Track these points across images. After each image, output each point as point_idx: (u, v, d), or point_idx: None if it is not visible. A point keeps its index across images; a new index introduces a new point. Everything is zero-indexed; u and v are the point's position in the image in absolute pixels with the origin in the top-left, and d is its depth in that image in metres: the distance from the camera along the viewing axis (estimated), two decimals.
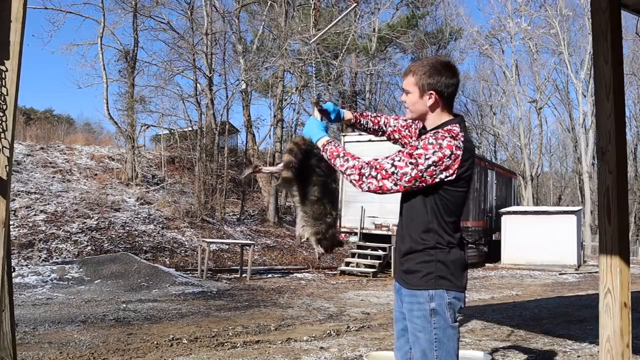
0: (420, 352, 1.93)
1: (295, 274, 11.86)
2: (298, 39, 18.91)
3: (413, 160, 1.81)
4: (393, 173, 1.83)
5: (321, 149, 2.02)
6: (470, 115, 35.42)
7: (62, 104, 62.54)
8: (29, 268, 9.14)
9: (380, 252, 12.89)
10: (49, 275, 8.69)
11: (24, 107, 27.75)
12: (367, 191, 1.89)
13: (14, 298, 2.27)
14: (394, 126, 2.28)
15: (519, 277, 13.68)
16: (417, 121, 2.14)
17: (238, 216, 18.07)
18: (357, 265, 12.85)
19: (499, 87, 34.75)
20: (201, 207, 15.88)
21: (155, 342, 4.81)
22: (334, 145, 1.98)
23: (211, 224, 15.49)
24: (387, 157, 1.87)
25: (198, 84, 18.87)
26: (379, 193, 1.89)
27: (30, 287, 8.03)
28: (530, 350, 4.94)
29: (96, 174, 16.82)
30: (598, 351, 2.61)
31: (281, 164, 2.22)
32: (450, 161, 1.82)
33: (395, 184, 1.84)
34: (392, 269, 12.77)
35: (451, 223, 1.92)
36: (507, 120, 37.16)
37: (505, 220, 17.19)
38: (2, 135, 1.96)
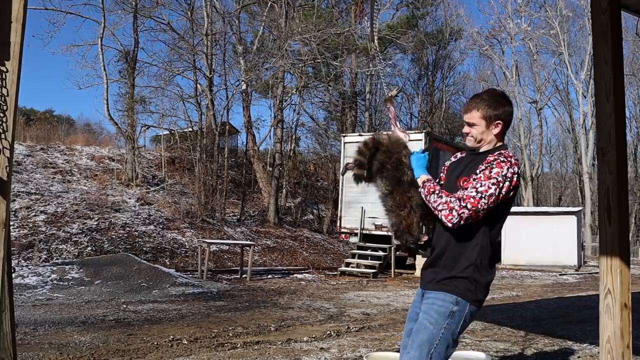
0: (419, 343, 2.03)
1: (295, 275, 11.86)
2: (298, 39, 18.91)
3: (493, 180, 1.99)
4: (481, 198, 1.98)
5: (420, 185, 2.16)
6: None
7: (62, 104, 62.60)
8: (29, 269, 9.14)
9: (380, 253, 12.89)
10: (49, 276, 8.68)
11: (24, 107, 27.83)
12: (457, 223, 1.99)
13: (14, 299, 2.27)
14: None
15: (519, 278, 13.68)
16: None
17: (238, 217, 18.07)
18: (357, 265, 12.85)
19: (499, 87, 34.70)
20: (201, 208, 15.87)
21: (156, 343, 4.81)
22: (432, 183, 2.13)
23: (211, 224, 15.48)
24: (465, 189, 2.03)
25: (198, 85, 18.88)
26: (470, 221, 2.00)
27: (31, 287, 8.03)
28: (531, 351, 4.94)
29: (96, 175, 16.83)
30: (598, 352, 2.61)
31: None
32: (516, 177, 2.04)
33: (484, 209, 1.99)
34: (392, 270, 12.78)
35: (495, 242, 2.11)
36: None
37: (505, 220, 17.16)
38: (3, 136, 1.95)
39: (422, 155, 2.23)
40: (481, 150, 2.18)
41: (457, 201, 1.99)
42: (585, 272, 15.85)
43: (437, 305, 2.04)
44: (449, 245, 2.08)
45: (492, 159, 2.05)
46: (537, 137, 35.01)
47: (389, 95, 2.45)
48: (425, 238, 2.26)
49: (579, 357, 4.77)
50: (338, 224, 14.43)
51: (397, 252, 13.03)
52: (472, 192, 1.99)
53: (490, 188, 1.97)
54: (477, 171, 2.04)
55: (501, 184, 1.98)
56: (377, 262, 12.71)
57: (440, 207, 2.02)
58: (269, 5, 19.05)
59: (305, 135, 26.97)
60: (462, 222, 1.98)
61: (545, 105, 34.94)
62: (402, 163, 2.22)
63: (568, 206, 33.60)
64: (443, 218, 2.01)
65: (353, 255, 13.42)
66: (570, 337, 5.67)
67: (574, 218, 17.05)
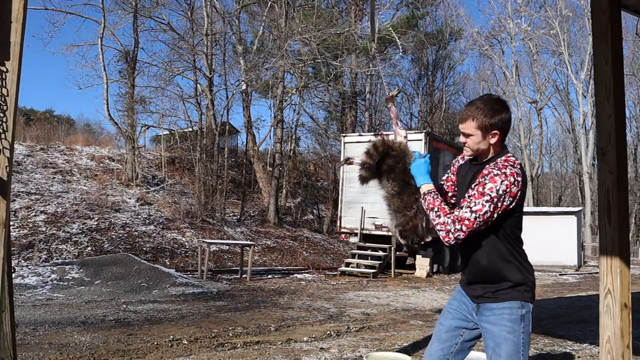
0: (506, 355, 2.07)
1: (295, 275, 11.86)
2: (298, 39, 18.91)
3: (487, 197, 1.98)
4: (476, 219, 1.99)
5: (422, 196, 2.19)
6: None
7: (62, 104, 62.50)
8: (29, 269, 9.14)
9: (380, 253, 12.89)
10: (49, 276, 8.68)
11: (24, 107, 27.79)
12: (454, 243, 2.05)
13: (14, 299, 2.27)
14: (447, 192, 2.39)
15: None
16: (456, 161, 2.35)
17: (238, 217, 18.07)
18: (357, 265, 12.85)
19: (499, 87, 34.73)
20: (201, 208, 15.87)
21: (156, 343, 4.81)
22: (432, 197, 2.14)
23: (211, 224, 15.48)
24: (461, 208, 2.03)
25: (198, 85, 18.88)
26: (471, 234, 2.04)
27: (31, 287, 8.03)
28: (531, 351, 4.93)
29: (96, 175, 16.82)
30: (598, 352, 2.60)
31: (364, 157, 2.37)
32: (515, 187, 2.01)
33: (480, 227, 2.02)
34: (392, 270, 12.78)
35: (521, 244, 2.22)
36: None
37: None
38: (3, 136, 1.95)
39: (422, 161, 2.24)
40: (482, 159, 2.16)
41: (453, 224, 2.01)
42: (585, 272, 15.85)
43: (507, 314, 2.09)
44: (490, 260, 2.12)
45: (486, 172, 2.04)
46: (537, 137, 35.05)
47: (390, 95, 2.48)
48: (429, 238, 2.30)
49: (579, 357, 4.77)
50: (338, 224, 14.42)
51: (397, 252, 13.03)
52: (466, 212, 2.00)
53: (485, 206, 1.97)
54: (472, 186, 2.05)
55: (495, 200, 1.97)
56: (377, 262, 12.70)
57: (438, 227, 2.07)
58: (269, 5, 19.04)
59: (305, 135, 26.96)
60: (457, 242, 2.03)
61: (545, 105, 34.98)
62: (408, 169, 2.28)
63: (568, 206, 33.59)
64: (441, 237, 2.07)
65: (353, 255, 13.42)
66: (570, 337, 5.67)
67: (574, 218, 17.06)
